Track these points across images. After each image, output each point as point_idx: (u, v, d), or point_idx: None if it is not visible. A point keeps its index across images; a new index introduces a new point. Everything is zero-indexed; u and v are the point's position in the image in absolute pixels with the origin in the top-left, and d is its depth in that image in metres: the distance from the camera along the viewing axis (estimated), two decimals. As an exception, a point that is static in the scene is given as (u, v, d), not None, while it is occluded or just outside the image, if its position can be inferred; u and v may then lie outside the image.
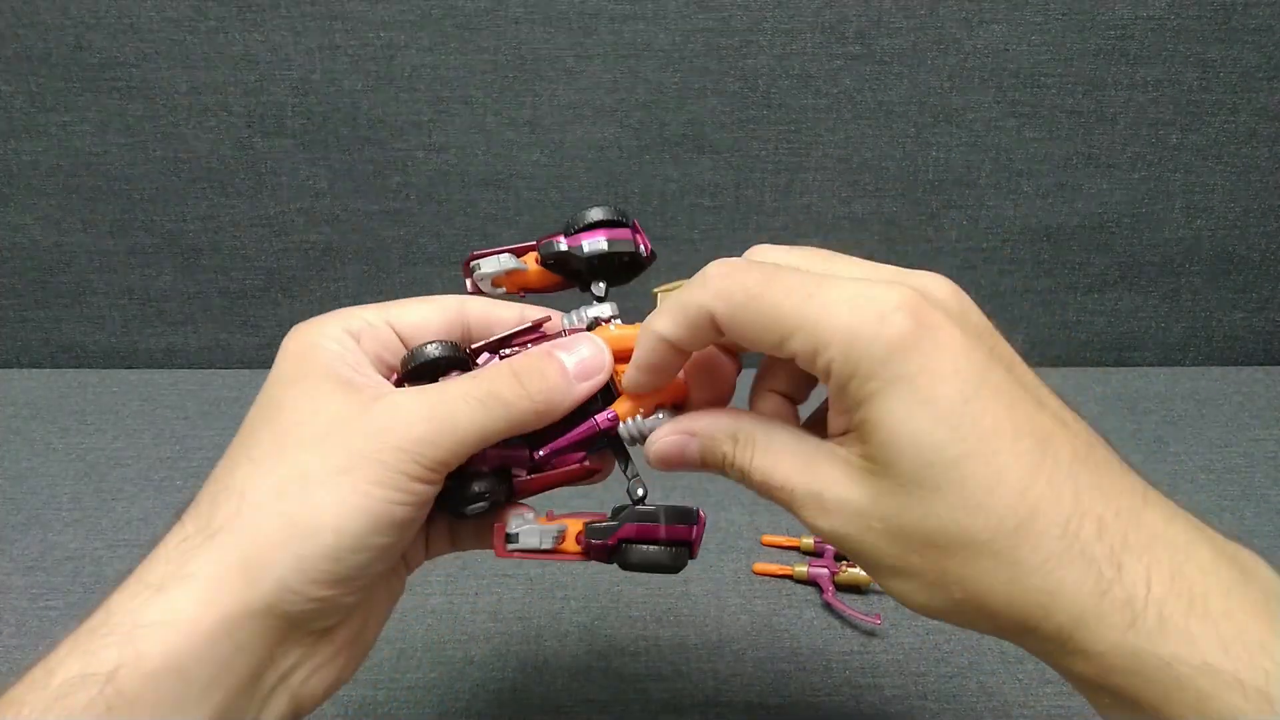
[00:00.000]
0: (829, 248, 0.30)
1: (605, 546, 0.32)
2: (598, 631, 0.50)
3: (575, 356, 0.31)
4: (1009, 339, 0.28)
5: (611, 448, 0.33)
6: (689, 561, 0.33)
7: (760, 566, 0.54)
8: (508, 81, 0.67)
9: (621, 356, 0.32)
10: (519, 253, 0.34)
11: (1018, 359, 0.27)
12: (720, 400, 0.33)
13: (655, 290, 0.34)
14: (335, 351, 0.30)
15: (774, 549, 0.56)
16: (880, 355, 0.25)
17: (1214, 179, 0.71)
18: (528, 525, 0.32)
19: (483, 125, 0.69)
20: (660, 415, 0.32)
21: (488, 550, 0.34)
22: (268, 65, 0.66)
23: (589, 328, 0.33)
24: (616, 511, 0.32)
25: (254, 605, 0.26)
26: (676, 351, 0.29)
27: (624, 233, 0.33)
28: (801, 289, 0.26)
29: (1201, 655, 0.22)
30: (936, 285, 0.27)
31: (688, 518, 0.32)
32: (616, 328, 0.33)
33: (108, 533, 0.58)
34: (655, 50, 0.66)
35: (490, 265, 0.34)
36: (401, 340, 0.32)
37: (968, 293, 0.28)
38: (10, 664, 0.49)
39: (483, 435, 0.29)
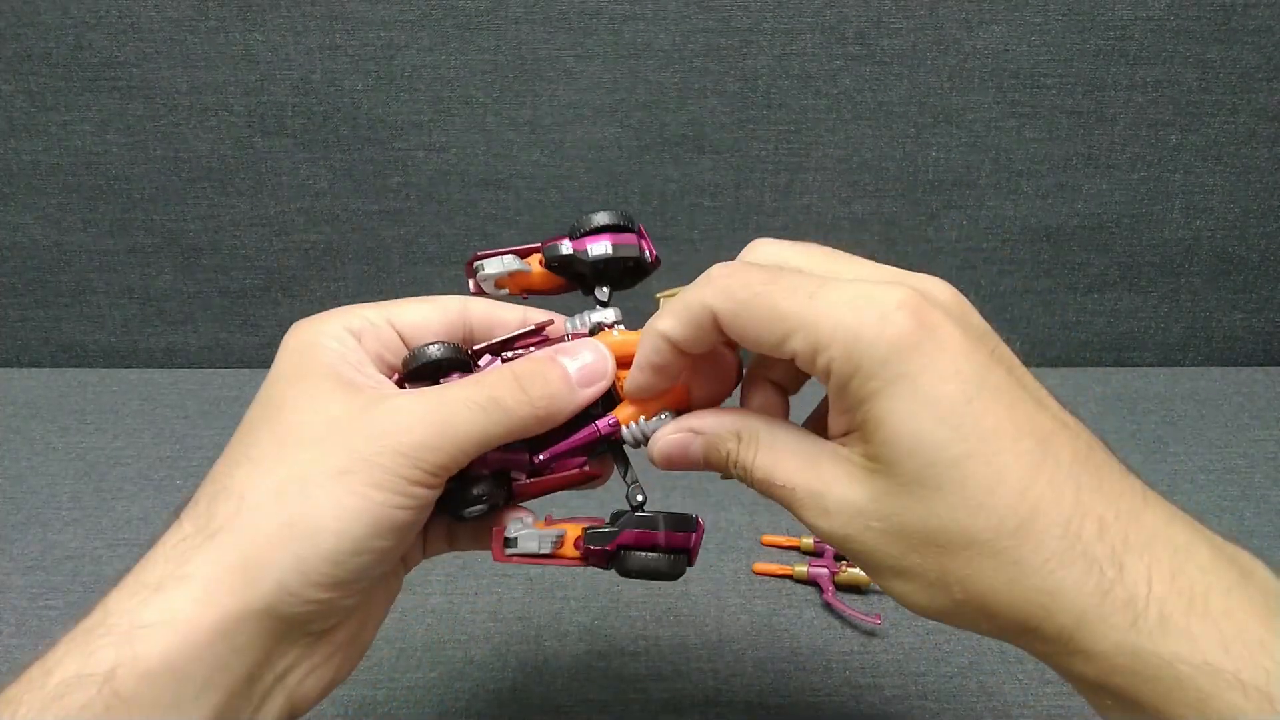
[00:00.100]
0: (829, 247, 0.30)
1: (604, 552, 0.32)
2: (598, 631, 0.50)
3: (578, 362, 0.31)
4: (1008, 340, 0.28)
5: (612, 453, 0.33)
6: (687, 569, 0.32)
7: (760, 566, 0.54)
8: (508, 81, 0.67)
9: (624, 363, 0.32)
10: (523, 254, 0.34)
11: (1017, 361, 0.27)
12: (722, 394, 0.33)
13: (658, 295, 0.34)
14: (336, 350, 0.30)
15: (774, 549, 0.56)
16: (881, 355, 0.25)
17: (1213, 179, 0.71)
18: (526, 530, 0.32)
19: (483, 125, 0.69)
20: (663, 417, 0.32)
21: (486, 550, 0.34)
22: (268, 65, 0.67)
23: (591, 333, 0.33)
24: (615, 517, 0.32)
25: (252, 606, 0.26)
26: (678, 352, 0.29)
27: (629, 238, 0.33)
28: (803, 289, 0.26)
29: (1202, 654, 0.22)
30: (937, 288, 0.27)
31: (687, 525, 0.32)
32: (620, 333, 0.33)
33: (108, 532, 0.58)
34: (655, 50, 0.66)
35: (494, 266, 0.34)
36: (403, 340, 0.32)
37: (967, 293, 0.28)
38: (10, 663, 0.49)
39: (483, 440, 0.29)
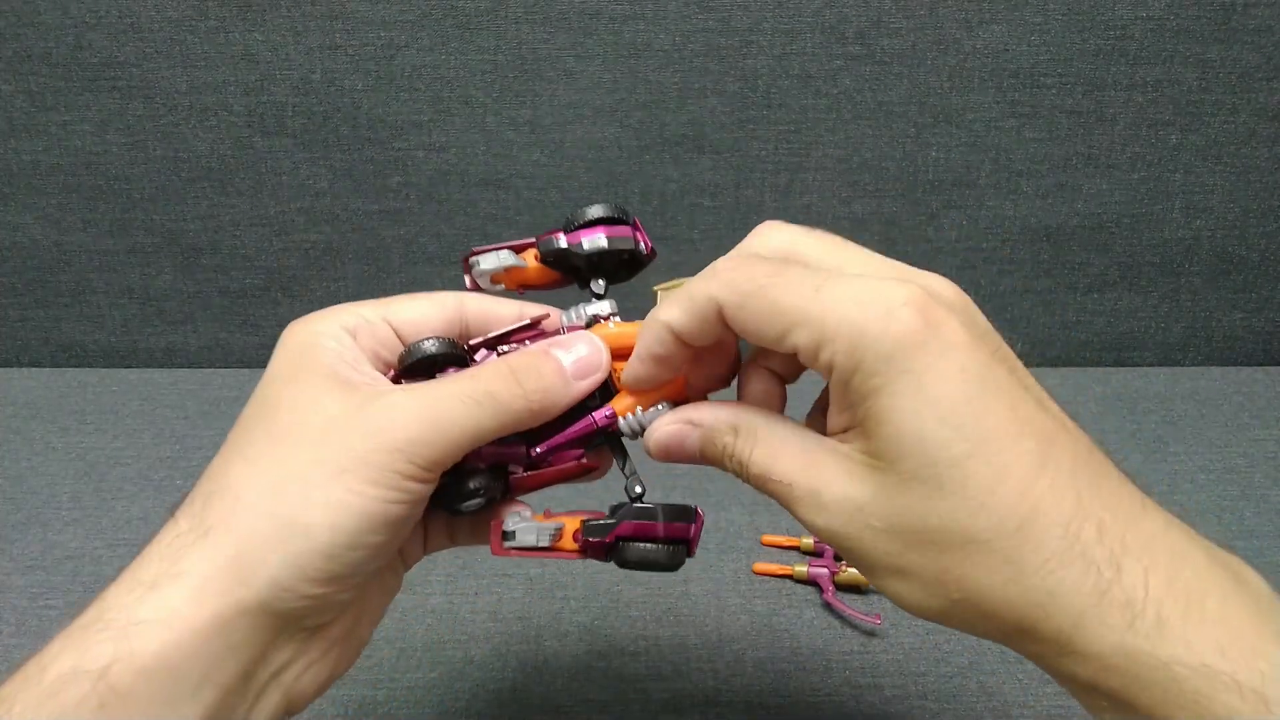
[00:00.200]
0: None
1: (602, 544, 0.32)
2: (598, 631, 0.50)
3: (573, 355, 0.31)
4: (1008, 340, 0.28)
5: (610, 445, 0.33)
6: (686, 560, 0.32)
7: (760, 566, 0.54)
8: (508, 81, 0.67)
9: (620, 354, 0.32)
10: (518, 249, 0.34)
11: (1019, 362, 0.27)
12: (720, 383, 0.33)
13: (655, 288, 0.34)
14: (332, 349, 0.30)
15: (774, 549, 0.56)
16: (885, 351, 0.25)
17: (1214, 179, 0.71)
18: (525, 523, 0.32)
19: (483, 125, 0.69)
20: (660, 408, 0.32)
21: (486, 546, 0.34)
22: (268, 65, 0.67)
23: (587, 325, 0.33)
24: (614, 509, 0.32)
25: (246, 603, 0.26)
26: (680, 344, 0.29)
27: (624, 230, 0.33)
28: (808, 283, 0.26)
29: (1199, 656, 0.22)
30: (942, 286, 0.27)
31: (686, 516, 0.32)
32: (615, 325, 0.33)
33: (108, 532, 0.58)
34: (655, 50, 0.66)
35: (489, 261, 0.34)
36: (399, 337, 0.32)
37: (968, 293, 0.28)
38: (9, 663, 0.49)
39: (477, 434, 0.29)
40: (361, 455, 0.27)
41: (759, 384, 0.32)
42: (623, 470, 0.33)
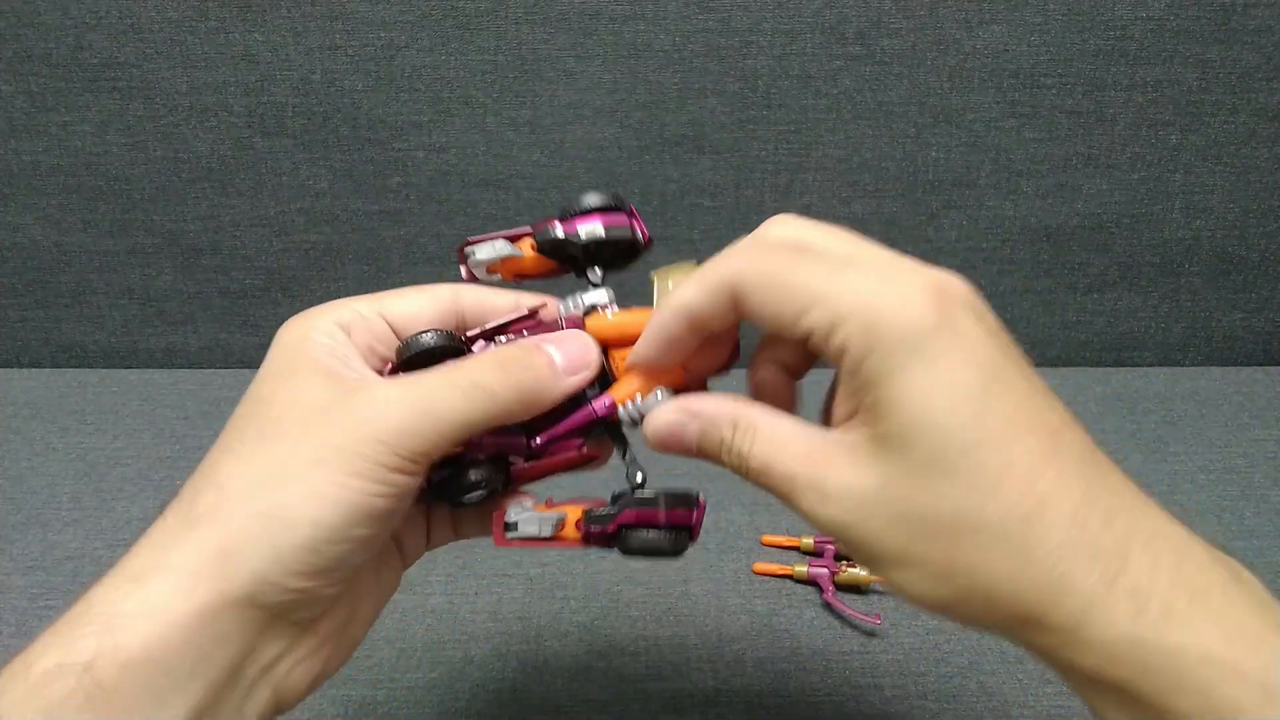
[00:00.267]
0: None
1: (605, 533, 0.32)
2: (598, 631, 0.50)
3: (563, 350, 0.31)
4: None
5: (610, 434, 0.33)
6: (689, 545, 0.32)
7: (760, 566, 0.54)
8: (508, 81, 0.67)
9: (617, 343, 0.32)
10: (514, 239, 0.34)
11: (1026, 360, 0.27)
12: (719, 368, 0.33)
13: (653, 274, 0.34)
14: (324, 345, 0.30)
15: (774, 549, 0.56)
16: (901, 335, 0.25)
17: (1214, 179, 0.71)
18: (526, 513, 0.32)
19: (483, 125, 0.69)
20: (659, 394, 0.32)
21: (489, 545, 0.34)
22: (268, 65, 0.67)
23: (585, 314, 0.33)
24: (616, 498, 0.32)
25: (231, 596, 0.26)
26: (691, 326, 0.29)
27: (620, 218, 0.33)
28: (825, 266, 0.26)
29: (1205, 646, 0.23)
30: (954, 280, 0.27)
31: (687, 502, 0.32)
32: (613, 314, 0.33)
33: (108, 533, 0.58)
34: (655, 50, 0.66)
35: (485, 252, 0.34)
36: (394, 331, 0.32)
37: None
38: (10, 664, 0.49)
39: (466, 425, 0.29)
40: (343, 446, 0.27)
41: (769, 378, 0.31)
42: (623, 459, 0.33)
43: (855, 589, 0.53)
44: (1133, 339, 0.77)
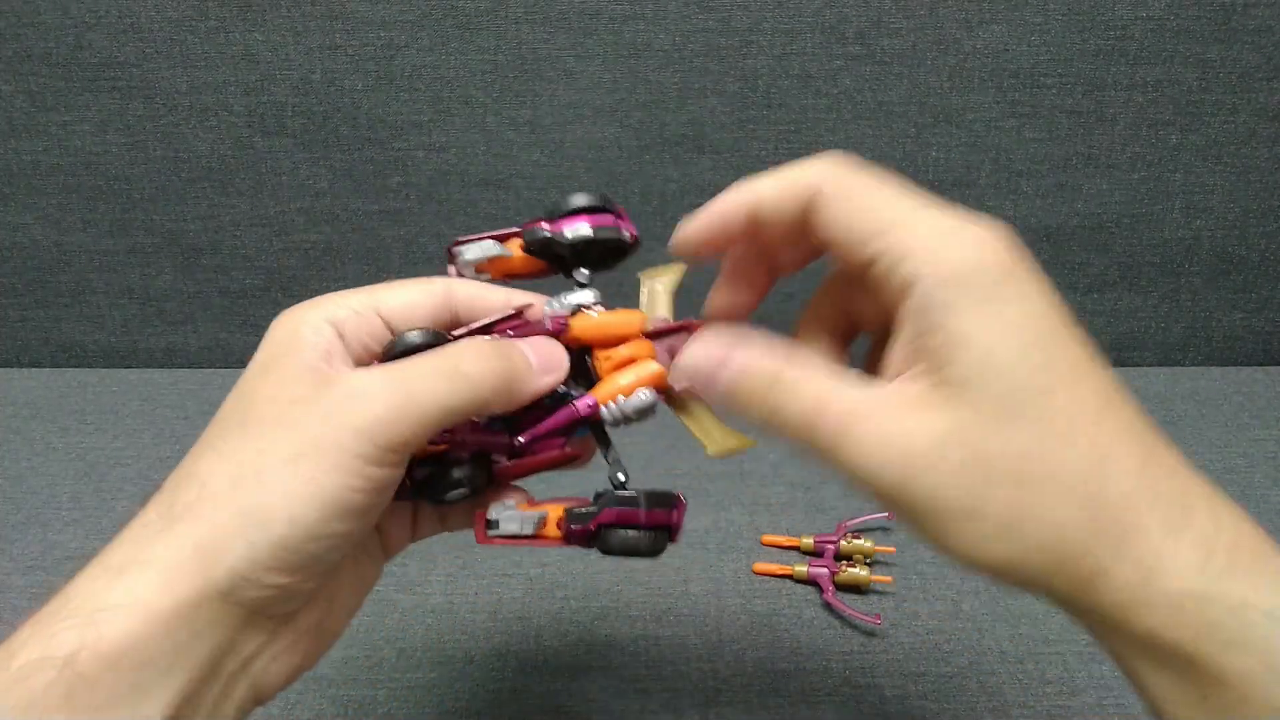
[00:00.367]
0: None
1: (585, 531, 0.32)
2: (598, 631, 0.50)
3: (536, 353, 0.31)
4: None
5: (593, 432, 0.33)
6: (669, 545, 0.33)
7: (760, 566, 0.54)
8: (508, 81, 0.67)
9: (601, 343, 0.33)
10: (502, 239, 0.34)
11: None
12: (747, 307, 0.32)
13: (641, 275, 0.34)
14: (311, 341, 0.30)
15: (774, 549, 0.56)
16: (977, 271, 0.25)
17: (1214, 179, 0.71)
18: (508, 512, 0.32)
19: (483, 125, 0.69)
20: (642, 394, 0.32)
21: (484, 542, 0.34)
22: (268, 65, 0.66)
23: (571, 314, 0.33)
24: (598, 497, 0.32)
25: (210, 591, 0.26)
26: (751, 216, 0.29)
27: (607, 219, 0.33)
28: (909, 197, 0.26)
29: (1270, 601, 0.23)
30: (1019, 242, 0.27)
31: (668, 502, 0.32)
32: (599, 314, 0.33)
33: (108, 533, 0.58)
34: (655, 50, 0.66)
35: (473, 252, 0.34)
36: (388, 326, 0.32)
37: None
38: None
39: (446, 410, 0.28)
40: (320, 440, 0.27)
41: (820, 344, 0.31)
42: (605, 458, 0.33)
43: (855, 589, 0.53)
44: (1133, 339, 0.77)
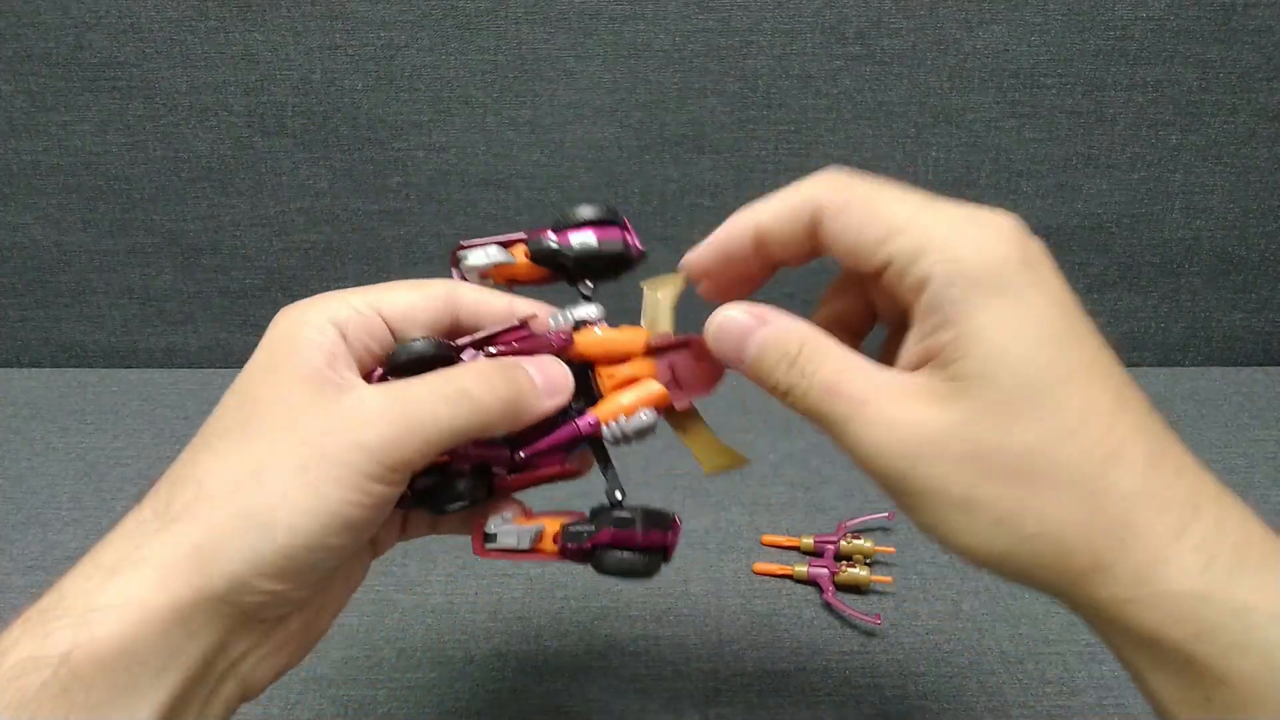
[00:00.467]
0: None
1: (581, 549, 0.32)
2: (598, 631, 0.50)
3: (542, 373, 0.31)
4: None
5: (593, 450, 0.33)
6: (662, 566, 0.33)
7: (760, 566, 0.54)
8: (508, 81, 0.67)
9: (604, 360, 0.33)
10: (507, 244, 0.34)
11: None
12: (739, 295, 0.32)
13: (643, 284, 0.34)
14: (315, 342, 0.30)
15: (774, 549, 0.56)
16: (986, 270, 0.25)
17: (1214, 179, 0.71)
18: (506, 525, 0.33)
19: (483, 125, 0.69)
20: (643, 415, 0.32)
21: (468, 535, 0.34)
22: (268, 65, 0.66)
23: (574, 328, 0.33)
24: (595, 513, 0.32)
25: (205, 594, 0.26)
26: (755, 242, 0.29)
27: (613, 231, 0.33)
28: (913, 200, 0.26)
29: (1273, 605, 0.22)
30: (1032, 234, 0.27)
31: (663, 523, 0.32)
32: (602, 330, 0.33)
33: (107, 532, 0.58)
34: (655, 50, 0.66)
35: (477, 257, 0.34)
36: (389, 327, 0.32)
37: None
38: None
39: (450, 433, 0.28)
40: (326, 453, 0.27)
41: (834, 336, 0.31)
42: (604, 476, 0.33)
43: (855, 589, 0.53)
44: (1133, 339, 0.77)
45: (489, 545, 0.33)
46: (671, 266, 0.34)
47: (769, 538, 0.57)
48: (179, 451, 0.28)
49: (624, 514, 0.32)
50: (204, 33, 0.65)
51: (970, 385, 0.25)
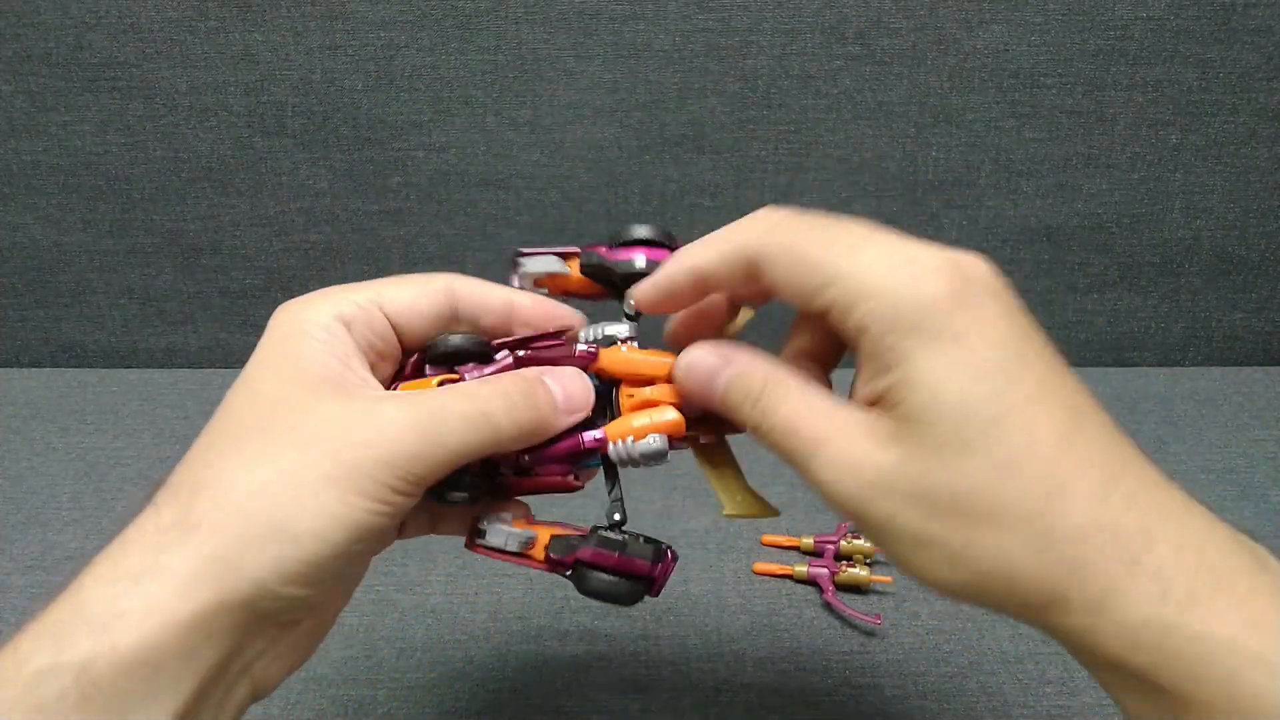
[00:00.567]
0: None
1: (562, 563, 0.32)
2: (598, 631, 0.50)
3: (565, 391, 0.31)
4: None
5: (603, 465, 0.33)
6: (645, 597, 0.32)
7: (760, 566, 0.54)
8: (508, 81, 0.67)
9: (629, 380, 0.33)
10: (565, 256, 0.35)
11: (1048, 342, 0.27)
12: (712, 330, 0.33)
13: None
14: (323, 341, 0.30)
15: (774, 549, 0.56)
16: (921, 311, 0.25)
17: (1214, 179, 0.71)
18: (498, 525, 0.33)
19: (483, 125, 0.69)
20: (653, 440, 0.31)
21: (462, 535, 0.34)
22: (268, 65, 0.66)
23: (604, 345, 0.33)
24: (593, 531, 0.32)
25: (228, 601, 0.26)
26: (696, 286, 0.29)
27: (664, 254, 0.33)
28: (844, 241, 0.26)
29: (1230, 632, 0.22)
30: (976, 261, 0.27)
31: (655, 554, 0.32)
32: (629, 349, 0.33)
33: (108, 533, 0.58)
34: (655, 50, 0.66)
35: (534, 265, 0.35)
36: (392, 324, 0.32)
37: None
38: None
39: (470, 452, 0.29)
40: (354, 465, 0.27)
41: (803, 367, 0.31)
42: (609, 493, 0.33)
43: (855, 589, 0.53)
44: (1133, 339, 0.77)
45: (477, 540, 0.33)
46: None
47: (769, 538, 0.57)
48: (179, 451, 0.28)
49: (613, 536, 0.31)
50: (204, 33, 0.65)
51: (913, 428, 0.25)
